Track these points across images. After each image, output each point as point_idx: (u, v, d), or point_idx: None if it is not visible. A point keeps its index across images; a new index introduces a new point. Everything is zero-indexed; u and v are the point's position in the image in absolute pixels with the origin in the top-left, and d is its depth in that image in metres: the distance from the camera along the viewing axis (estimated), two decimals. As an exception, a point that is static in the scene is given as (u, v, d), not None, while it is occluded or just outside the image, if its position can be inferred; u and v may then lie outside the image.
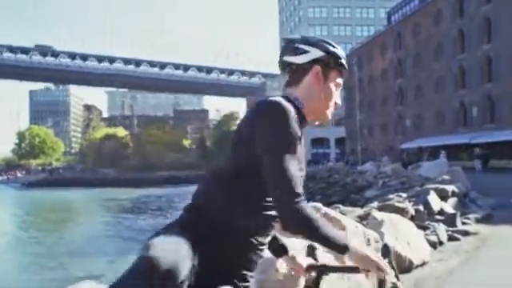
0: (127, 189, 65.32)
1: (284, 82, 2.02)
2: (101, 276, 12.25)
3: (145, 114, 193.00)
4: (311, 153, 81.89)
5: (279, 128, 1.71)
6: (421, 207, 9.75)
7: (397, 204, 9.21)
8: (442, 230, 8.26)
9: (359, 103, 64.21)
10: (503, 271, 6.06)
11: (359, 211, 8.78)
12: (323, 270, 1.94)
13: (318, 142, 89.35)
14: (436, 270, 6.20)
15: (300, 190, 1.69)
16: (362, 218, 7.58)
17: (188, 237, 1.66)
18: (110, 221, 32.62)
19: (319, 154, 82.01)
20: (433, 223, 8.70)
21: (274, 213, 1.79)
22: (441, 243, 7.86)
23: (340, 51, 1.98)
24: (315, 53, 1.92)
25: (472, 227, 9.38)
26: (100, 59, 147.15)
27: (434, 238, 7.76)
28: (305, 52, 1.92)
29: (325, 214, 5.34)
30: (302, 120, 1.86)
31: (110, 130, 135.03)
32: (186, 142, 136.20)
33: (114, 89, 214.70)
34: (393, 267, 1.75)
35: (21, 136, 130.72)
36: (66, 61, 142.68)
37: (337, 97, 2.00)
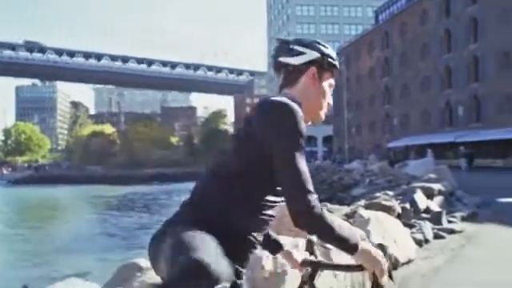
0: (114, 186, 64.98)
1: (280, 82, 2.04)
2: (87, 273, 12.19)
3: (132, 111, 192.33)
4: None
5: (290, 128, 1.73)
6: (407, 205, 9.81)
7: (383, 202, 9.25)
8: (427, 228, 8.32)
9: (347, 102, 64.37)
10: (488, 269, 6.12)
11: (346, 209, 8.79)
12: (318, 265, 1.97)
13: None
14: (421, 267, 6.25)
15: (311, 187, 1.71)
16: (348, 216, 7.60)
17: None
18: (96, 218, 32.44)
19: (306, 152, 79.39)
20: (419, 221, 8.75)
21: (272, 212, 1.84)
22: (426, 241, 7.92)
23: (333, 52, 2.02)
24: (311, 54, 1.96)
25: (458, 225, 9.46)
26: (87, 55, 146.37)
27: (419, 236, 7.81)
28: (301, 53, 1.95)
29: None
30: None
31: (97, 127, 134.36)
32: (174, 140, 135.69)
33: (101, 85, 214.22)
34: (388, 267, 1.77)
35: (7, 133, 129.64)
36: (53, 57, 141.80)
37: (329, 97, 2.05)
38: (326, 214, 1.70)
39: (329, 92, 2.04)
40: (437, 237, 8.29)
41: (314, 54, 1.96)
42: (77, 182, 75.19)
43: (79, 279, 3.81)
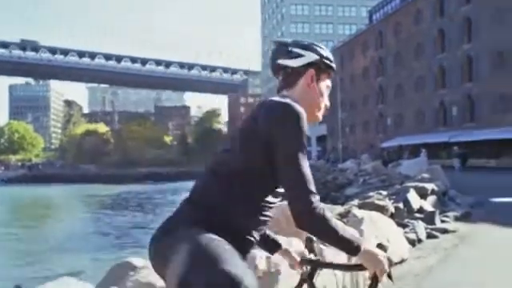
0: (108, 185, 64.88)
1: (278, 84, 2.05)
2: (80, 272, 12.15)
3: (126, 110, 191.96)
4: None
5: (296, 128, 1.75)
6: (400, 205, 9.83)
7: (377, 202, 9.27)
8: (421, 228, 8.34)
9: (341, 101, 64.44)
10: (481, 269, 6.13)
11: (339, 209, 8.79)
12: (317, 264, 1.98)
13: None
14: (414, 267, 6.26)
15: (314, 187, 1.72)
16: (342, 216, 7.60)
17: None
18: (90, 217, 32.39)
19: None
20: (412, 221, 8.77)
21: (270, 213, 1.86)
22: (420, 241, 7.93)
23: (330, 54, 2.05)
24: (310, 56, 1.98)
25: (451, 225, 9.48)
26: (81, 54, 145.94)
27: (413, 236, 7.83)
28: (299, 56, 1.98)
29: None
30: None
31: (91, 126, 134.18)
32: (167, 139, 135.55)
33: (95, 84, 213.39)
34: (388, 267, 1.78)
35: (0, 131, 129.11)
36: (46, 55, 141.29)
37: (327, 98, 2.07)
38: (328, 215, 1.71)
39: (326, 93, 2.06)
40: (430, 236, 8.30)
41: (313, 56, 1.98)
42: (70, 181, 75.06)
43: (72, 278, 3.79)
